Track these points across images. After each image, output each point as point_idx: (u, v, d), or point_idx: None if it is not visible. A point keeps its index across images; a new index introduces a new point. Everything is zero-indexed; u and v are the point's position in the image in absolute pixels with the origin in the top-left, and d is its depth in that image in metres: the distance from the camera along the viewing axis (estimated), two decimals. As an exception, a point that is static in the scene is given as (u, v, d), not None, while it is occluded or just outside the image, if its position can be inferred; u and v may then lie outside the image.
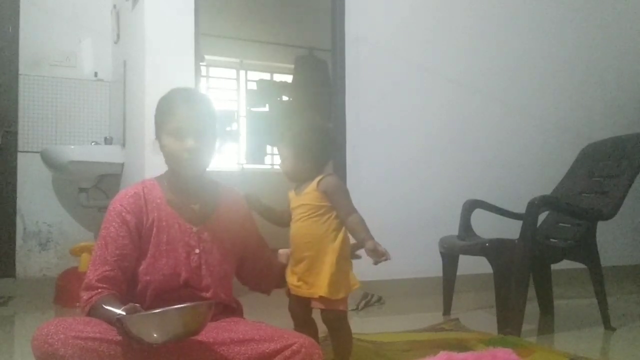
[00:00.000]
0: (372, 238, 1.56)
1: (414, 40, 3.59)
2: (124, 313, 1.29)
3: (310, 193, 1.62)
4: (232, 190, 1.72)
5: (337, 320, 1.61)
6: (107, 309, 1.35)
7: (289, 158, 1.66)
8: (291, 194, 1.68)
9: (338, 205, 1.61)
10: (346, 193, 1.65)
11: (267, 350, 1.39)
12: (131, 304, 1.33)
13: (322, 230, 1.60)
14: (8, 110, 3.58)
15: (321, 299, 1.57)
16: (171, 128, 1.52)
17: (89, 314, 1.44)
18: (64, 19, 3.71)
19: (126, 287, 1.51)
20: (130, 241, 1.51)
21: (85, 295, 1.46)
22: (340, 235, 1.61)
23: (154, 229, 1.54)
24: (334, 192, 1.62)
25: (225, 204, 1.66)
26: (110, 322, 1.34)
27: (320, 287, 1.57)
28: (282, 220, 1.70)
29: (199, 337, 1.39)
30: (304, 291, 1.60)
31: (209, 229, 1.60)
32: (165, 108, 1.56)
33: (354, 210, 1.63)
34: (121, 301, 1.42)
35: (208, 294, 1.56)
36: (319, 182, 1.62)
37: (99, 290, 1.44)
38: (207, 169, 1.64)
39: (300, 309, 1.66)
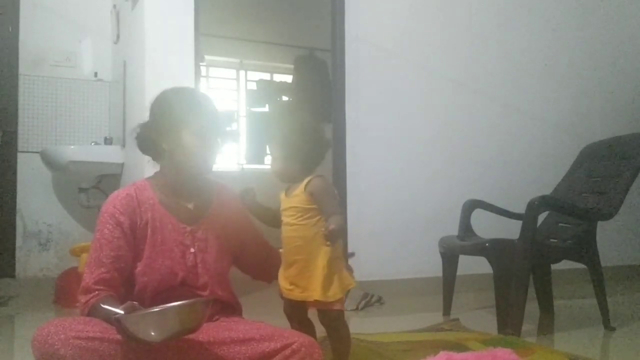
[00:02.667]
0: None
1: (414, 40, 3.59)
2: (122, 312, 1.29)
3: (298, 196, 1.60)
4: (226, 187, 1.73)
5: (334, 319, 1.60)
6: (105, 309, 1.35)
7: (278, 158, 1.65)
8: (282, 195, 1.67)
9: (322, 207, 1.58)
10: (332, 195, 1.62)
11: (267, 350, 1.39)
12: (129, 302, 1.33)
13: (312, 233, 1.56)
14: (8, 110, 3.58)
15: (316, 301, 1.56)
16: (197, 126, 1.54)
17: (88, 316, 1.44)
18: (64, 19, 3.71)
19: (123, 288, 1.51)
20: (125, 242, 1.51)
21: (83, 299, 1.46)
22: None
23: (149, 230, 1.54)
24: (320, 195, 1.58)
25: (219, 201, 1.67)
26: (109, 321, 1.34)
27: (313, 290, 1.55)
28: (275, 221, 1.68)
29: (199, 337, 1.40)
30: (297, 295, 1.59)
31: (203, 227, 1.61)
32: (189, 107, 1.57)
33: (337, 212, 1.58)
34: (119, 302, 1.42)
35: (205, 293, 1.56)
36: (306, 184, 1.59)
37: (96, 292, 1.45)
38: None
39: (295, 310, 1.65)
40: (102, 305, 1.36)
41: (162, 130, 1.56)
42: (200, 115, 1.56)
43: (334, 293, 1.55)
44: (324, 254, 1.56)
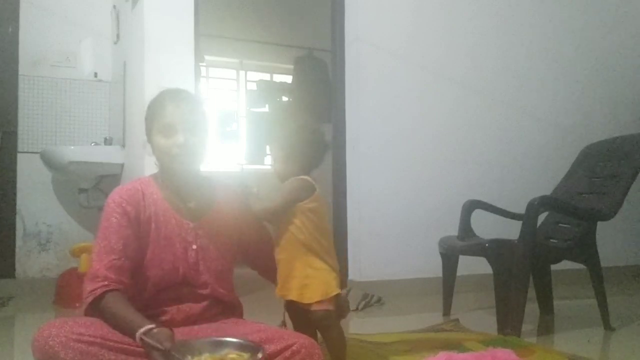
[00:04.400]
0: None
1: (414, 40, 3.59)
2: (149, 325, 1.30)
3: None
4: (228, 186, 1.72)
5: (324, 319, 1.60)
6: (125, 314, 1.35)
7: (279, 159, 1.67)
8: None
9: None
10: (285, 194, 1.61)
11: (266, 352, 1.39)
12: (169, 333, 1.31)
13: (292, 234, 1.60)
14: (8, 111, 3.58)
15: (294, 301, 1.59)
16: (160, 126, 1.53)
17: (90, 305, 1.41)
18: (64, 19, 3.71)
19: (131, 278, 1.48)
20: (133, 232, 1.50)
21: (89, 286, 1.41)
22: (313, 240, 1.61)
23: (152, 224, 1.53)
24: (282, 187, 1.62)
25: (221, 200, 1.66)
26: (119, 326, 1.34)
27: (290, 289, 1.59)
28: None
29: None
30: (277, 292, 1.63)
31: (205, 225, 1.60)
32: (155, 108, 1.57)
33: (274, 198, 1.61)
34: (127, 299, 1.41)
35: (206, 291, 1.56)
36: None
37: (106, 282, 1.41)
38: (205, 170, 1.64)
39: (294, 310, 1.66)
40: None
41: (146, 137, 1.59)
42: (163, 113, 1.53)
43: (311, 296, 1.57)
44: (304, 256, 1.59)
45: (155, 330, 1.31)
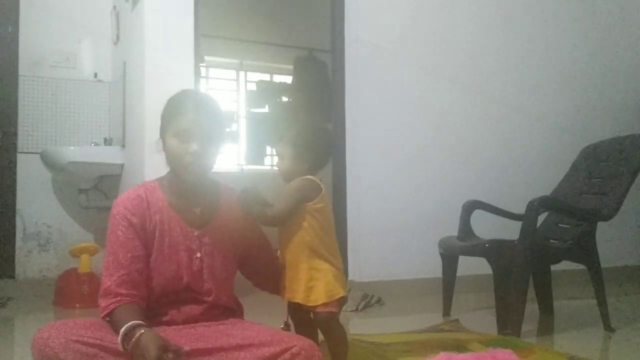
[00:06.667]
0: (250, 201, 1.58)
1: (414, 41, 3.59)
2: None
3: None
4: (233, 190, 1.71)
5: (327, 321, 1.59)
6: (122, 318, 1.36)
7: (288, 158, 1.64)
8: None
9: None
10: (293, 194, 1.59)
11: (266, 354, 1.38)
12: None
13: (295, 236, 1.59)
14: (8, 111, 3.58)
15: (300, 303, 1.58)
16: (177, 130, 1.49)
17: (105, 320, 1.43)
18: (63, 20, 3.71)
19: (146, 289, 1.49)
20: (140, 242, 1.49)
21: (103, 302, 1.44)
22: (319, 241, 1.59)
23: (157, 233, 1.52)
24: (286, 189, 1.60)
25: (225, 205, 1.64)
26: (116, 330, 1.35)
27: (296, 292, 1.58)
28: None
29: (198, 344, 1.40)
30: (283, 294, 1.62)
31: (210, 232, 1.59)
32: (174, 109, 1.53)
33: (280, 203, 1.58)
34: (140, 312, 1.42)
35: (210, 299, 1.56)
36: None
37: (118, 298, 1.42)
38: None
39: (297, 311, 1.66)
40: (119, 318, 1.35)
41: (159, 132, 1.57)
42: (181, 118, 1.49)
43: (316, 298, 1.56)
44: (309, 258, 1.58)
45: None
